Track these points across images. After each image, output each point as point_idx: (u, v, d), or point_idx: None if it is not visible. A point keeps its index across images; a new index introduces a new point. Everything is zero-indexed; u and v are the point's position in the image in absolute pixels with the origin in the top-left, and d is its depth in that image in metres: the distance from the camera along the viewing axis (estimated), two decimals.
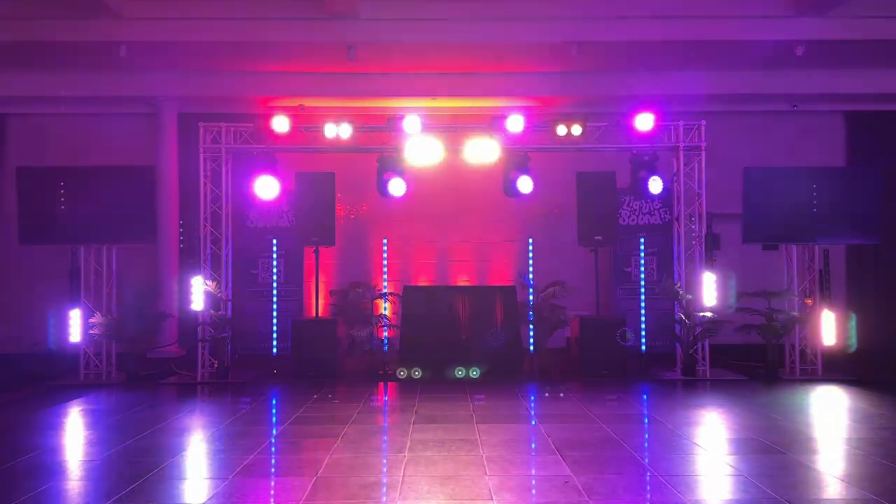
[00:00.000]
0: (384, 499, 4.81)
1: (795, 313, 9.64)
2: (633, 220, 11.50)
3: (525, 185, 9.72)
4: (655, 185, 9.68)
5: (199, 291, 9.48)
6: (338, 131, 9.56)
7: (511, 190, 9.85)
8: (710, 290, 9.48)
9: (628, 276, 11.36)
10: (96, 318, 9.47)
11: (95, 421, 7.61)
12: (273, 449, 6.26)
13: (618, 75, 11.17)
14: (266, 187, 9.70)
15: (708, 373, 9.57)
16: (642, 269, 11.18)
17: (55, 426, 7.34)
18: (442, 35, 9.98)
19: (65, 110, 11.98)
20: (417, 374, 9.50)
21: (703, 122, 9.80)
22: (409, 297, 10.36)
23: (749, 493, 4.80)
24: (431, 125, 9.86)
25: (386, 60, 10.78)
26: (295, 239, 10.79)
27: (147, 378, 9.66)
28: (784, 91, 11.43)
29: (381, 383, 9.39)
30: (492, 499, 4.71)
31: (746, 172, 9.59)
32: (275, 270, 11.15)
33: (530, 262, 11.06)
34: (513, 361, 9.81)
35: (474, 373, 9.50)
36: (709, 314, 9.53)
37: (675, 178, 9.89)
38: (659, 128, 9.72)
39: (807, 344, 9.75)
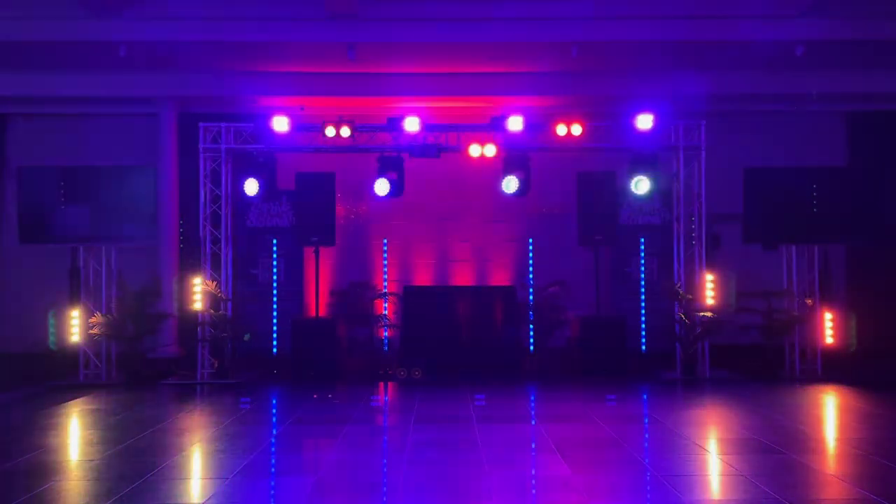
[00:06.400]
0: (384, 499, 4.81)
1: (795, 313, 9.64)
2: (633, 220, 11.47)
3: (525, 184, 9.72)
4: (655, 186, 9.67)
5: (199, 291, 9.48)
6: (338, 131, 9.56)
7: (510, 190, 9.85)
8: (710, 290, 9.47)
9: (628, 276, 11.34)
10: (96, 318, 9.47)
11: (95, 421, 7.61)
12: (273, 449, 6.26)
13: (618, 75, 11.15)
14: (252, 185, 9.70)
15: (708, 373, 9.56)
16: (642, 269, 11.17)
17: (55, 426, 7.34)
18: (442, 35, 9.97)
19: (65, 110, 11.97)
20: (417, 373, 9.50)
21: (703, 122, 9.79)
22: (409, 297, 10.37)
23: (749, 493, 4.79)
24: (431, 125, 9.85)
25: (386, 60, 10.76)
26: (295, 239, 10.78)
27: (147, 378, 9.64)
28: (784, 91, 11.41)
29: (381, 383, 9.39)
30: (492, 499, 4.70)
31: (746, 172, 9.59)
32: (275, 270, 11.15)
33: (530, 262, 11.06)
34: (513, 361, 9.81)
35: (474, 373, 9.50)
36: (709, 314, 9.52)
37: (675, 178, 9.89)
38: (659, 128, 9.70)
39: (807, 344, 9.74)
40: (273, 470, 5.67)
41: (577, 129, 9.55)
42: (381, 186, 9.69)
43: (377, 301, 10.48)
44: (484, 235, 12.19)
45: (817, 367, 9.60)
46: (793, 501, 4.61)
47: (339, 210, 11.01)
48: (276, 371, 9.98)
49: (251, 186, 9.69)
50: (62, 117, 12.08)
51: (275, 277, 11.11)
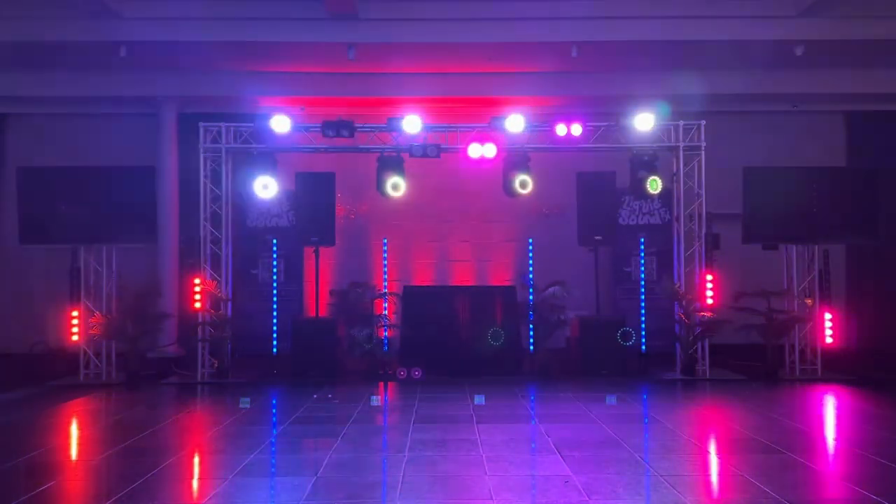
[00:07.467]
0: (384, 499, 4.81)
1: (795, 313, 9.64)
2: (633, 220, 11.48)
3: (525, 185, 9.72)
4: (654, 185, 9.68)
5: (199, 291, 9.47)
6: (338, 131, 9.55)
7: (511, 190, 9.85)
8: (710, 290, 9.47)
9: (628, 276, 11.35)
10: (96, 318, 9.47)
11: (95, 421, 7.61)
12: (273, 449, 6.26)
13: (618, 75, 11.16)
14: (265, 187, 9.68)
15: (708, 373, 9.57)
16: (642, 269, 11.15)
17: (55, 426, 7.34)
18: (442, 35, 9.98)
19: (65, 110, 11.97)
20: (417, 373, 9.49)
21: (703, 122, 9.80)
22: (409, 297, 10.36)
23: (749, 493, 4.79)
24: (431, 125, 9.86)
25: (386, 60, 10.77)
26: (295, 239, 10.78)
27: (147, 378, 9.65)
28: (784, 91, 11.42)
29: (381, 383, 9.39)
30: (492, 499, 4.70)
31: (746, 172, 9.59)
32: (275, 270, 11.13)
33: (530, 262, 11.05)
34: (513, 361, 9.81)
35: (474, 373, 9.49)
36: (709, 314, 9.53)
37: (674, 178, 9.89)
38: (659, 128, 9.71)
39: (807, 344, 9.74)
40: (273, 470, 5.67)
41: (577, 129, 9.57)
42: (386, 186, 9.67)
43: (377, 301, 10.47)
44: (484, 235, 12.21)
45: (817, 367, 9.60)
46: (793, 501, 4.62)
47: (339, 210, 11.00)
48: (276, 371, 9.97)
49: (268, 189, 9.61)
50: (62, 117, 12.09)
51: (275, 277, 11.10)
